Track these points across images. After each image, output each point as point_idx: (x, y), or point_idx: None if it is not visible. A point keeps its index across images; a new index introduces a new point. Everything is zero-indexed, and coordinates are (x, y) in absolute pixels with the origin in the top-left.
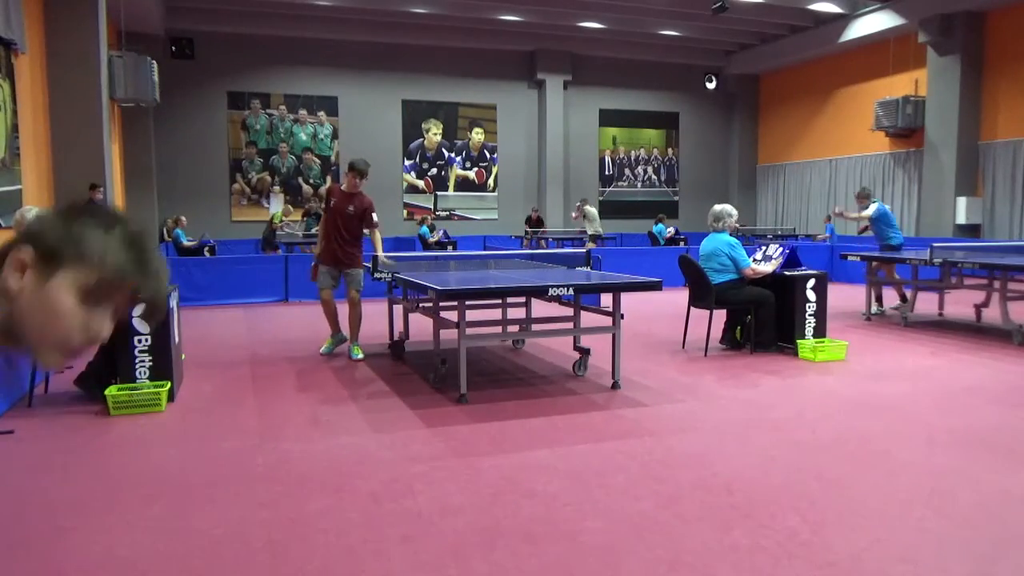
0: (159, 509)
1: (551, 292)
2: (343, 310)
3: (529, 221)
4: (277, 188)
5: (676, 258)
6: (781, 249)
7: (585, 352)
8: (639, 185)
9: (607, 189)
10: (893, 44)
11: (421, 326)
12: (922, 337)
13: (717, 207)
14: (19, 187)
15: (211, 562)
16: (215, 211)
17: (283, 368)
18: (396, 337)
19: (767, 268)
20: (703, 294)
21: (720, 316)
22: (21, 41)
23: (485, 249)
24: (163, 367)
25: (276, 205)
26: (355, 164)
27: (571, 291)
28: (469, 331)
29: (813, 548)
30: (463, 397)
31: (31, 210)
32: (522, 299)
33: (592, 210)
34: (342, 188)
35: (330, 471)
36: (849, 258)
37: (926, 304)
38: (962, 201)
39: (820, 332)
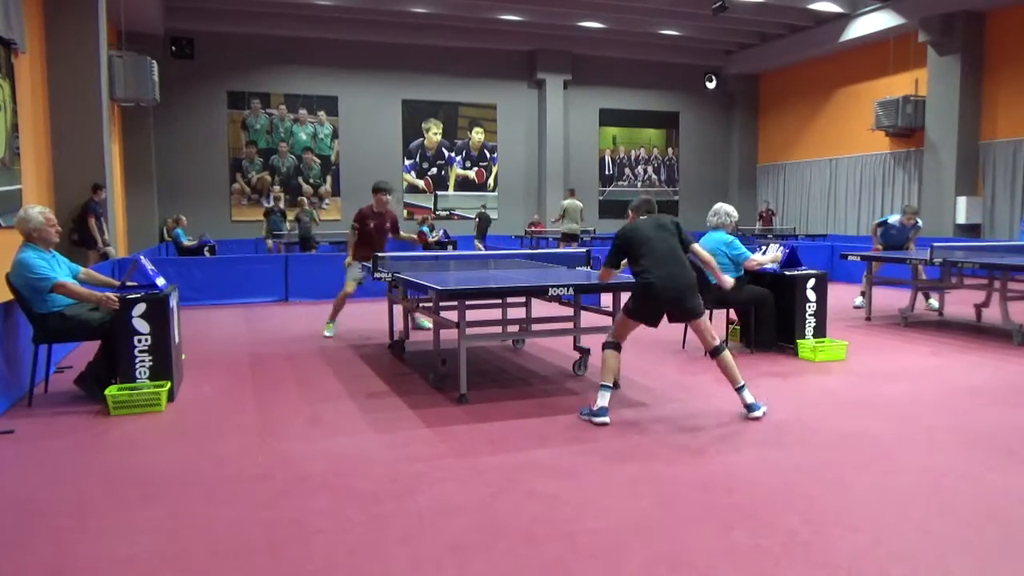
0: (159, 509)
1: (551, 292)
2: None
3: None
4: (277, 188)
5: None
6: (782, 249)
7: (585, 352)
8: (639, 185)
9: (607, 189)
10: (893, 44)
11: None
12: (922, 337)
13: (718, 205)
14: (19, 187)
15: (211, 562)
16: (215, 211)
17: (283, 368)
18: (396, 337)
19: (767, 258)
20: (703, 293)
21: (720, 316)
22: (21, 41)
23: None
24: (163, 367)
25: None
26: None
27: (571, 291)
28: (469, 331)
29: (813, 548)
30: (463, 397)
31: (33, 208)
32: (522, 299)
33: (569, 203)
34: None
35: (330, 471)
36: (849, 258)
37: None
38: (962, 201)
39: (820, 332)
